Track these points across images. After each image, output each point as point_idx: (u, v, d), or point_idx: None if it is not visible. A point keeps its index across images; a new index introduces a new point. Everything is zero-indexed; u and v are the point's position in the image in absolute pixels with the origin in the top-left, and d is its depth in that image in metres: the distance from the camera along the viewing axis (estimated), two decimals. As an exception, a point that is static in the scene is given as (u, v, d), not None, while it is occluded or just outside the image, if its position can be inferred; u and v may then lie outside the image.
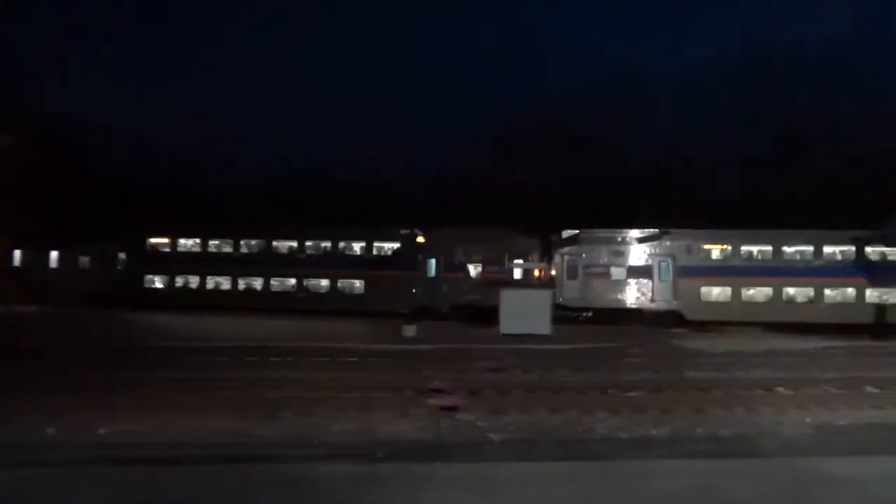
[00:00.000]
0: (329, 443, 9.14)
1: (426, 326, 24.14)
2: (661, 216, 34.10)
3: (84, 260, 33.41)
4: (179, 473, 7.36)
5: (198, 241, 33.03)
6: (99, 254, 33.10)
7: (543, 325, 23.15)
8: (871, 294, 26.20)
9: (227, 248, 32.69)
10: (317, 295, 30.85)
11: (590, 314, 27.99)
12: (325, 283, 30.94)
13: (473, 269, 29.37)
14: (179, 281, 32.43)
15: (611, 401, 11.78)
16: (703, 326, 27.19)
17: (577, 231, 28.73)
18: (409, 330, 23.03)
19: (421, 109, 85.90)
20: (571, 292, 28.02)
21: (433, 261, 29.65)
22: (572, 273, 28.08)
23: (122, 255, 33.20)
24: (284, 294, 31.27)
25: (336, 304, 29.73)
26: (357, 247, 31.24)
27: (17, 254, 34.39)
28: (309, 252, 31.60)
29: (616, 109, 49.07)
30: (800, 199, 40.22)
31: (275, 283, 31.58)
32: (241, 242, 32.48)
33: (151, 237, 33.49)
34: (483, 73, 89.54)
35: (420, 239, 27.65)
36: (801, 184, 43.03)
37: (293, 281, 31.31)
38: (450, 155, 67.43)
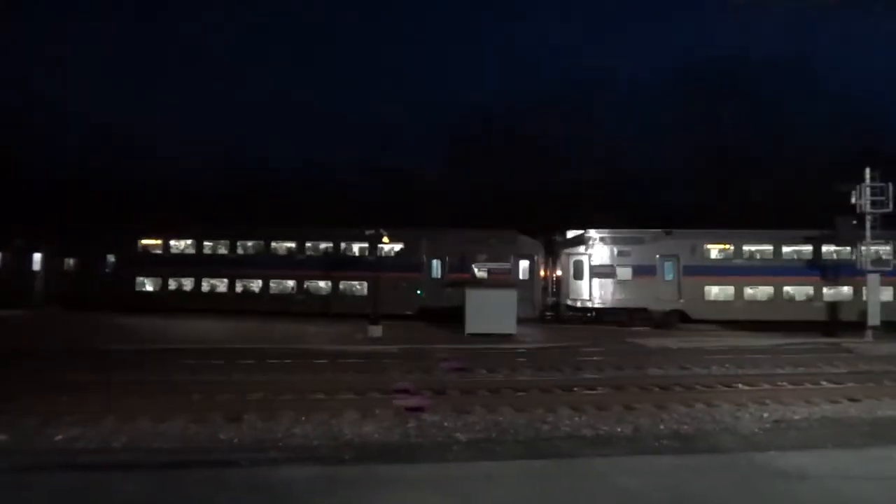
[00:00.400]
0: (293, 445, 9.03)
1: (392, 327, 24.06)
2: (615, 219, 34.78)
3: (69, 262, 31.99)
4: (137, 478, 7.18)
5: (192, 241, 31.90)
6: (85, 256, 31.76)
7: (509, 325, 23.28)
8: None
9: (223, 250, 31.65)
10: (318, 297, 30.12)
11: (593, 314, 28.12)
12: (326, 285, 30.22)
13: (478, 270, 29.13)
14: (173, 283, 31.29)
15: (575, 399, 11.88)
16: (665, 326, 27.70)
17: (582, 231, 28.77)
18: (375, 331, 22.94)
19: (378, 111, 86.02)
20: (577, 292, 28.11)
21: (437, 262, 29.40)
22: (578, 273, 28.15)
23: (110, 257, 31.86)
24: (283, 297, 30.48)
25: (338, 307, 29.03)
26: (360, 248, 30.57)
27: None
28: (309, 253, 30.87)
29: (572, 114, 49.67)
30: (754, 203, 41.37)
31: (273, 285, 30.72)
32: (238, 243, 31.50)
33: (143, 238, 32.15)
34: (441, 75, 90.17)
35: (385, 239, 27.16)
36: (755, 189, 44.30)
37: (293, 283, 30.66)
38: (406, 156, 67.82)
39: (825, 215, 26.51)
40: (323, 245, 31.04)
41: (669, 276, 27.91)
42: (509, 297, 23.88)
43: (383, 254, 29.52)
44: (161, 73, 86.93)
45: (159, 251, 31.95)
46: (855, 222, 24.72)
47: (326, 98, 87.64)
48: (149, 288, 31.41)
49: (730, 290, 28.14)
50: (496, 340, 21.69)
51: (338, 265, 29.92)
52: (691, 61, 48.53)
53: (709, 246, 28.76)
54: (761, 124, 47.00)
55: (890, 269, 25.19)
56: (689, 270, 27.86)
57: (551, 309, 29.28)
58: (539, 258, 29.49)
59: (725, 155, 47.53)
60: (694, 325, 27.86)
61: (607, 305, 27.94)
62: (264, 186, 48.76)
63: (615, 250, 27.97)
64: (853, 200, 24.37)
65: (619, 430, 10.07)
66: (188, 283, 31.17)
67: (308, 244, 31.02)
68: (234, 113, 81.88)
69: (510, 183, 48.26)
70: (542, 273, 29.65)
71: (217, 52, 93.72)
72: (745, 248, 28.73)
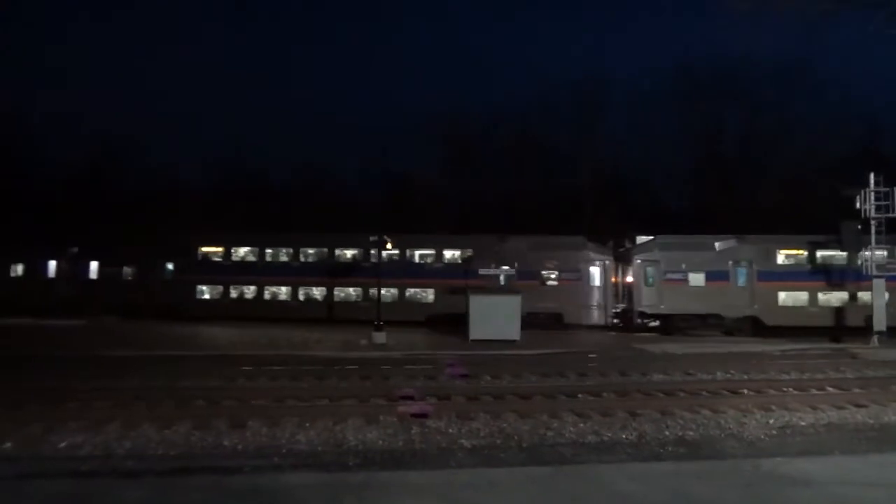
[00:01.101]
0: (297, 452, 9.02)
1: (396, 333, 24.06)
2: (614, 224, 34.82)
3: (126, 271, 31.69)
4: (141, 485, 7.18)
5: (255, 249, 31.57)
6: (143, 264, 31.42)
7: (512, 331, 23.24)
8: None
9: (286, 257, 31.31)
10: (384, 304, 29.91)
11: (657, 322, 27.89)
12: (392, 292, 29.62)
13: (547, 277, 28.99)
14: (234, 291, 30.93)
15: (579, 405, 11.83)
16: (666, 332, 27.62)
17: (652, 237, 28.59)
18: (379, 337, 22.94)
19: (378, 116, 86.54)
20: (649, 299, 27.85)
21: (504, 268, 29.04)
22: (649, 279, 27.91)
23: (169, 266, 31.51)
24: (348, 304, 30.16)
25: (403, 314, 28.60)
26: (426, 255, 30.49)
27: (53, 265, 32.58)
28: (374, 261, 30.46)
29: (573, 116, 49.67)
30: (755, 206, 41.29)
31: (338, 292, 30.50)
32: (302, 250, 31.25)
33: (203, 245, 31.90)
34: (441, 78, 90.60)
35: (389, 245, 27.08)
36: (757, 191, 44.21)
37: (358, 290, 30.23)
38: (407, 161, 68.06)
39: (826, 218, 26.48)
40: (389, 252, 30.42)
41: (742, 282, 27.54)
42: (513, 302, 23.88)
43: (449, 261, 29.57)
44: (162, 78, 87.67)
45: (220, 259, 31.70)
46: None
47: (327, 103, 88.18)
48: (209, 296, 31.03)
49: (803, 295, 27.72)
50: (500, 346, 21.63)
51: (404, 272, 29.66)
52: (692, 63, 48.30)
53: (782, 251, 28.40)
54: (763, 127, 46.91)
55: None
56: (763, 276, 27.46)
57: (620, 316, 28.83)
58: (608, 265, 29.04)
59: (727, 157, 47.46)
60: (698, 333, 27.74)
61: (679, 312, 27.50)
62: (264, 192, 48.89)
63: (687, 256, 27.63)
64: (858, 205, 24.30)
65: (623, 436, 10.03)
66: (250, 291, 30.83)
67: (374, 251, 30.67)
68: (235, 119, 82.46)
69: (510, 186, 48.28)
70: (612, 280, 29.20)
71: (217, 59, 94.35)
72: (819, 253, 28.10)
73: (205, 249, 31.79)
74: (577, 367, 16.52)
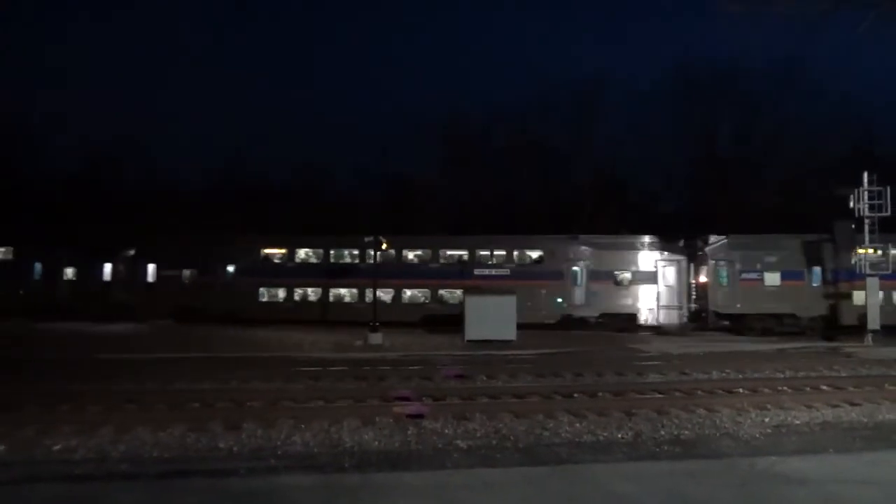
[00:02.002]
0: (293, 453, 9.01)
1: (392, 334, 24.06)
2: (613, 225, 34.89)
3: (185, 273, 31.11)
4: (137, 488, 7.17)
5: (320, 250, 31.24)
6: (203, 266, 30.82)
7: (508, 331, 23.25)
8: None
9: (350, 259, 30.87)
10: (452, 305, 29.19)
11: (726, 322, 27.67)
12: (461, 293, 29.05)
13: (620, 277, 28.75)
14: (298, 293, 30.59)
15: (574, 405, 11.84)
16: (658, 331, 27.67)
17: (725, 237, 28.35)
18: (375, 338, 22.94)
19: (377, 117, 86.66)
20: (724, 299, 27.64)
21: (578, 269, 28.85)
22: (724, 280, 27.70)
23: (230, 268, 30.97)
24: (416, 306, 29.86)
25: None
26: (496, 256, 30.15)
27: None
28: (443, 262, 30.27)
29: (570, 117, 49.72)
30: (749, 209, 41.40)
31: (407, 294, 30.14)
32: (368, 253, 30.56)
33: (266, 247, 31.44)
34: (439, 80, 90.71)
35: (384, 245, 26.93)
36: (751, 193, 44.32)
37: (427, 292, 29.85)
38: (406, 162, 68.10)
39: (821, 218, 26.54)
40: (457, 253, 30.43)
41: (817, 283, 27.38)
42: (508, 303, 23.86)
43: (520, 261, 29.41)
44: (162, 81, 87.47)
45: (283, 261, 31.21)
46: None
47: (326, 103, 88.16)
48: (272, 298, 30.61)
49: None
50: (496, 347, 21.65)
51: (474, 274, 29.40)
52: (690, 64, 48.44)
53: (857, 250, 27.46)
54: (759, 127, 47.07)
55: None
56: (839, 276, 27.01)
57: (694, 316, 28.58)
58: (684, 264, 28.70)
59: (723, 158, 47.57)
60: (696, 332, 27.83)
61: (754, 311, 27.26)
62: (264, 192, 48.83)
63: (762, 256, 27.37)
64: (851, 205, 24.40)
65: (619, 436, 10.04)
66: (314, 293, 30.45)
67: (441, 252, 30.46)
68: (234, 119, 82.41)
69: (509, 186, 48.31)
70: (687, 280, 28.89)
71: (217, 61, 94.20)
72: (894, 252, 27.37)
73: (267, 251, 31.35)
74: (573, 367, 16.53)
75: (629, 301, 28.45)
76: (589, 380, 15.30)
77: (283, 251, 31.38)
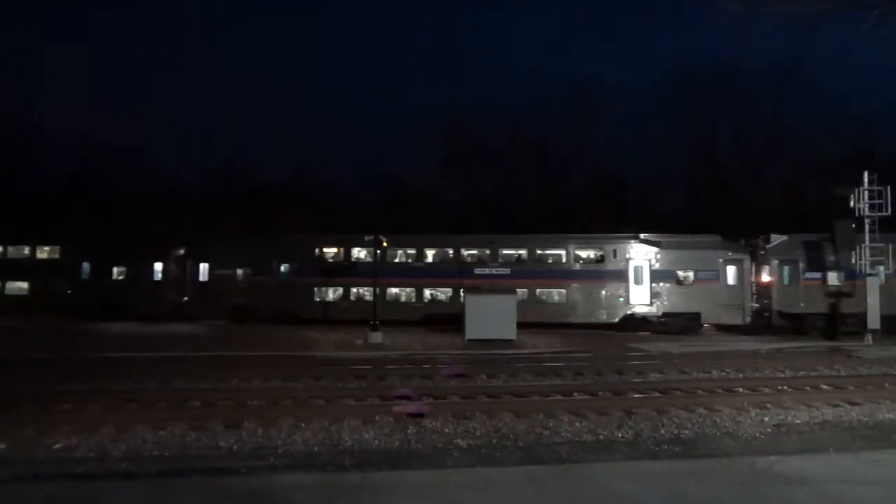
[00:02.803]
0: (293, 452, 9.01)
1: (391, 333, 24.06)
2: (613, 225, 34.89)
3: (239, 273, 30.65)
4: (137, 487, 7.17)
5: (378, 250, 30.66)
6: (258, 265, 30.31)
7: (509, 330, 23.26)
8: None
9: (407, 258, 30.55)
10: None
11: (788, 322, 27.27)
12: (524, 293, 28.81)
13: (683, 277, 28.51)
14: (354, 293, 30.31)
15: (575, 404, 11.84)
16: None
17: (787, 236, 28.07)
18: (375, 337, 22.95)
19: (376, 118, 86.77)
20: (788, 298, 27.34)
21: (640, 268, 28.59)
22: (788, 279, 27.37)
23: (285, 267, 30.58)
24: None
25: (534, 315, 27.98)
26: (554, 255, 29.90)
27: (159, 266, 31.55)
28: (501, 260, 30.03)
29: (569, 118, 49.79)
30: (747, 209, 41.43)
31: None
32: (427, 251, 30.54)
33: (323, 246, 31.14)
34: (438, 81, 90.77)
35: (383, 244, 26.75)
36: (749, 194, 44.37)
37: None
38: (405, 163, 68.18)
39: (820, 218, 26.50)
40: (515, 252, 30.25)
41: (883, 282, 26.26)
42: (508, 302, 23.88)
43: (580, 261, 29.25)
44: (162, 81, 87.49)
45: (339, 260, 30.90)
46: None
47: (325, 104, 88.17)
48: (329, 297, 30.35)
49: None
50: (497, 346, 21.66)
51: (533, 273, 29.33)
52: (688, 65, 48.50)
53: None
54: (757, 128, 47.11)
55: None
56: None
57: (757, 315, 28.18)
58: (747, 264, 28.30)
59: (722, 158, 47.64)
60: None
61: (817, 311, 26.89)
62: (263, 193, 48.88)
63: (825, 255, 26.84)
64: (851, 204, 24.39)
65: (619, 435, 10.04)
66: (370, 293, 29.59)
67: (501, 252, 30.26)
68: (234, 119, 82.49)
69: (509, 187, 48.37)
70: (751, 279, 28.44)
71: (217, 61, 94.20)
72: None
73: (324, 250, 31.12)
74: (573, 367, 16.53)
75: (691, 300, 28.12)
76: (589, 379, 15.31)
77: (339, 250, 31.14)
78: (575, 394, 12.80)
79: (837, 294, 26.56)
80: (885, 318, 24.25)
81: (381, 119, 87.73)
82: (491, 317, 23.34)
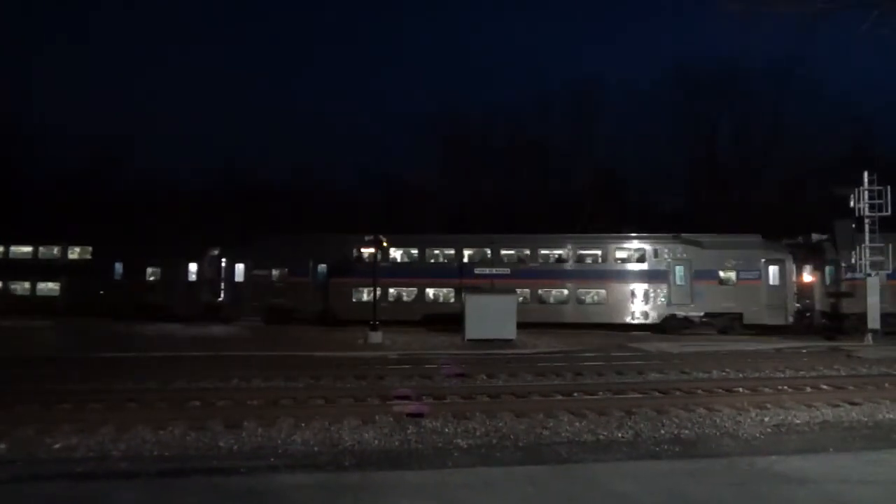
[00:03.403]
0: (293, 452, 9.00)
1: (391, 333, 24.07)
2: (610, 225, 34.90)
3: (274, 273, 30.31)
4: (136, 487, 7.17)
5: (416, 250, 30.62)
6: (293, 266, 29.90)
7: (508, 330, 23.26)
8: None
9: (444, 259, 30.32)
10: (555, 304, 29.11)
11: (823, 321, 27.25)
12: (563, 293, 29.06)
13: (725, 277, 28.31)
14: (392, 293, 30.00)
15: (575, 404, 11.84)
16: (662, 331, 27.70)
17: (827, 236, 27.77)
18: (375, 337, 22.95)
19: (377, 118, 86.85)
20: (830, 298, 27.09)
21: (682, 268, 28.54)
22: (829, 279, 27.32)
23: (321, 267, 30.17)
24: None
25: (576, 316, 28.26)
26: (593, 255, 29.80)
27: (193, 267, 31.26)
28: (540, 261, 29.88)
29: (569, 118, 49.81)
30: (747, 208, 41.43)
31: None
32: (465, 251, 30.27)
33: (361, 246, 30.32)
34: (438, 81, 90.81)
35: (384, 244, 26.73)
36: (749, 193, 44.40)
37: (527, 291, 29.06)
38: (405, 163, 68.21)
39: (820, 217, 26.49)
40: (554, 253, 30.05)
41: None
42: (508, 302, 23.88)
43: (620, 261, 29.15)
44: (162, 81, 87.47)
45: (378, 260, 30.23)
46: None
47: (325, 104, 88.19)
48: (366, 298, 29.82)
49: None
50: (497, 346, 21.66)
51: (574, 273, 29.24)
52: (688, 65, 48.47)
53: None
54: (757, 128, 47.12)
55: None
56: None
57: (799, 316, 28.02)
58: (789, 264, 28.15)
59: (721, 158, 47.65)
60: (695, 331, 27.82)
61: (860, 311, 26.12)
62: (263, 193, 48.93)
63: (869, 255, 26.33)
64: (851, 204, 24.39)
65: (619, 435, 10.04)
66: (408, 294, 29.90)
67: (541, 252, 30.10)
68: (233, 119, 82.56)
69: (508, 187, 48.39)
70: (793, 279, 28.28)
71: (217, 59, 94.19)
72: None
73: (361, 250, 30.62)
74: (573, 367, 16.53)
75: (733, 301, 27.99)
76: (589, 379, 15.30)
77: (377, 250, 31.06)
78: (575, 394, 12.80)
79: (885, 294, 25.79)
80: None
81: (381, 119, 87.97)
82: (491, 317, 23.35)
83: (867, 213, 24.21)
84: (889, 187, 24.10)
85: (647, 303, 28.51)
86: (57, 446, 9.01)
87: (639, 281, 28.67)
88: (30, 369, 15.40)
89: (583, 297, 29.12)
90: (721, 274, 28.35)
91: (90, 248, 32.76)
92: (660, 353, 20.00)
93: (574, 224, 40.02)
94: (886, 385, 13.91)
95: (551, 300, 29.29)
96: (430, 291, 29.96)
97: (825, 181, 30.71)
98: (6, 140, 47.60)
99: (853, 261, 25.62)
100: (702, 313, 28.07)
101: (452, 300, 29.21)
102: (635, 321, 28.19)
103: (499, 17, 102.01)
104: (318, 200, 48.51)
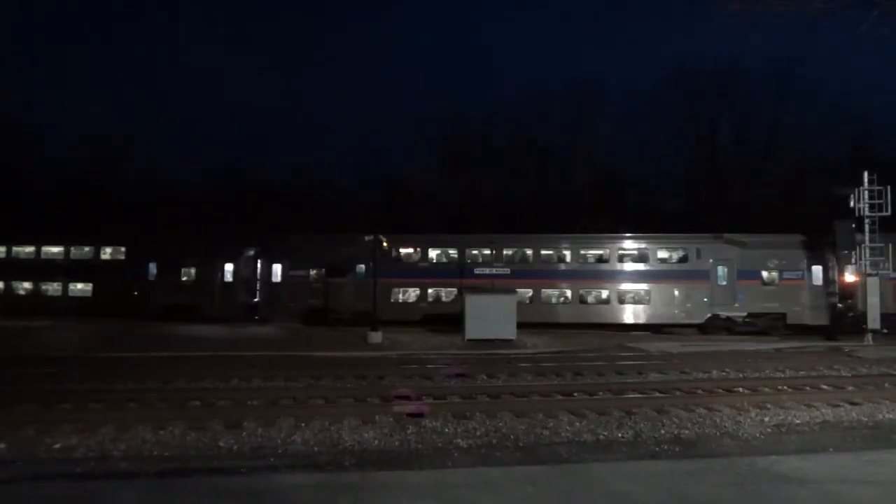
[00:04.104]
0: (293, 452, 9.00)
1: (391, 333, 24.06)
2: (610, 225, 34.86)
3: (312, 273, 29.84)
4: (137, 487, 7.17)
5: (454, 250, 30.24)
6: (330, 266, 29.39)
7: (508, 330, 23.25)
8: None
9: (483, 259, 29.96)
10: (597, 303, 28.88)
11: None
12: (603, 294, 28.86)
13: (767, 276, 28.07)
14: (431, 294, 29.81)
15: (574, 404, 11.84)
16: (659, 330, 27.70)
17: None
18: (375, 337, 22.94)
19: (377, 118, 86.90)
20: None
21: (724, 268, 28.28)
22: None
23: (359, 267, 29.61)
24: (550, 306, 29.16)
25: (611, 315, 28.17)
26: (634, 255, 29.47)
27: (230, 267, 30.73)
28: (581, 260, 29.61)
29: (569, 118, 49.72)
30: (746, 209, 41.39)
31: (547, 293, 29.24)
32: (504, 251, 30.02)
33: (401, 246, 30.51)
34: (438, 81, 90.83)
35: (384, 244, 26.64)
36: (749, 193, 44.33)
37: (565, 292, 29.06)
38: (405, 163, 68.18)
39: (819, 218, 26.43)
40: (596, 253, 29.80)
41: None
42: (508, 302, 23.86)
43: (663, 261, 29.04)
44: (162, 81, 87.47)
45: (416, 260, 30.40)
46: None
47: (326, 104, 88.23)
48: (405, 299, 29.69)
49: None
50: (497, 346, 21.66)
51: (615, 273, 29.03)
52: (687, 65, 48.33)
53: None
54: (756, 128, 47.06)
55: None
56: None
57: (841, 316, 27.45)
58: (832, 263, 27.63)
59: (721, 158, 47.58)
60: (695, 331, 27.82)
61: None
62: (264, 193, 48.90)
63: (869, 255, 25.94)
64: (851, 204, 24.38)
65: (619, 435, 10.04)
66: (447, 294, 29.61)
67: (581, 252, 29.88)
68: (234, 119, 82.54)
69: (508, 187, 48.35)
70: (837, 279, 27.67)
71: (217, 61, 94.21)
72: None
73: (400, 251, 30.58)
74: (573, 367, 16.53)
75: (777, 301, 27.77)
76: (589, 379, 15.30)
77: (416, 250, 30.70)
78: (575, 394, 12.80)
79: None
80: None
81: (381, 119, 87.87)
82: (491, 317, 23.33)
83: (867, 213, 24.21)
84: (889, 187, 24.10)
85: (689, 303, 28.26)
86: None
87: (681, 281, 28.42)
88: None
89: (624, 297, 28.90)
90: (764, 274, 28.14)
91: (123, 249, 32.43)
92: (660, 353, 19.99)
93: (574, 224, 39.99)
94: (886, 385, 13.91)
95: (590, 300, 29.01)
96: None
97: (825, 181, 30.62)
98: (6, 140, 47.57)
99: (853, 261, 25.64)
100: (745, 313, 27.83)
101: None
102: (677, 322, 27.92)
103: (499, 17, 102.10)
104: (317, 200, 48.45)
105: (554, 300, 29.30)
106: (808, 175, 41.27)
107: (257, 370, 15.37)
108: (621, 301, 28.83)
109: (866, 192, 24.23)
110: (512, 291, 25.26)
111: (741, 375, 15.82)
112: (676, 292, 28.33)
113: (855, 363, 17.98)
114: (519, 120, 50.43)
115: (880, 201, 24.11)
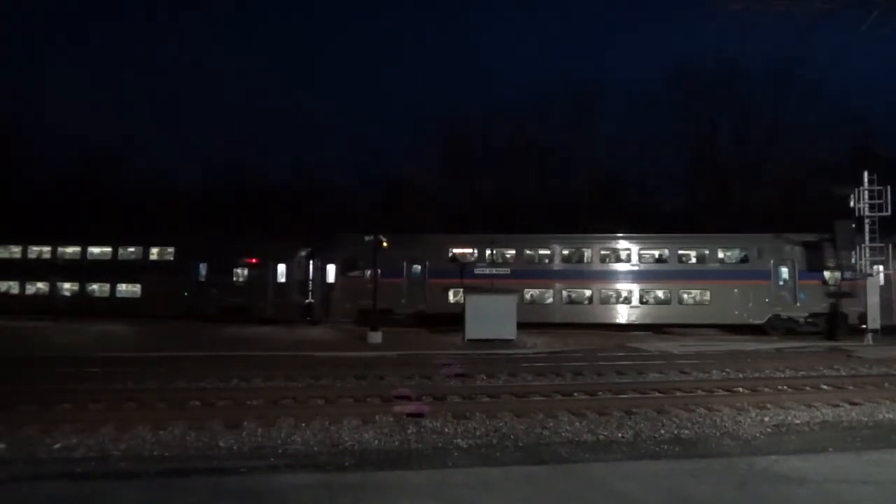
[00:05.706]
0: (293, 452, 9.00)
1: (391, 333, 24.04)
2: (610, 225, 34.81)
3: (365, 274, 28.45)
4: (137, 487, 7.17)
5: (510, 250, 29.78)
6: (386, 266, 27.98)
7: (509, 330, 23.25)
8: None
9: (538, 259, 29.63)
10: (659, 303, 28.56)
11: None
12: (661, 294, 28.47)
13: (829, 275, 27.58)
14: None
15: (574, 404, 11.84)
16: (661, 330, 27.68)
17: None
18: (375, 337, 22.94)
19: (377, 118, 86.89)
20: None
21: (785, 268, 27.95)
22: None
23: (415, 268, 29.16)
24: (609, 308, 28.65)
25: (672, 316, 27.97)
26: (698, 255, 29.11)
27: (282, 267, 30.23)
28: (636, 259, 29.03)
29: (569, 118, 49.70)
30: (746, 208, 41.38)
31: (602, 293, 28.74)
32: (565, 251, 29.51)
33: (455, 246, 30.07)
34: (438, 81, 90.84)
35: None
36: (749, 193, 44.32)
37: (623, 291, 28.64)
38: (405, 162, 68.12)
39: (820, 218, 26.41)
40: (656, 252, 29.35)
41: None
42: (508, 302, 23.86)
43: (723, 261, 28.68)
44: (162, 80, 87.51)
45: (473, 260, 29.80)
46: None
47: (326, 104, 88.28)
48: (460, 299, 28.55)
49: None
50: (497, 346, 21.66)
51: (676, 273, 28.64)
52: (689, 65, 48.26)
53: None
54: (756, 127, 47.05)
55: None
56: None
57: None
58: (892, 263, 26.64)
59: (721, 158, 47.57)
60: (695, 331, 27.79)
61: None
62: (264, 193, 48.92)
63: (869, 255, 25.74)
64: (851, 204, 24.38)
65: (619, 435, 10.04)
66: (540, 295, 29.02)
67: (636, 251, 29.36)
68: (234, 119, 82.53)
69: (508, 187, 48.35)
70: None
71: (217, 61, 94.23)
72: None
73: (456, 251, 30.08)
74: (573, 367, 16.52)
75: (839, 300, 27.29)
76: (589, 379, 15.30)
77: (473, 250, 30.09)
78: (575, 394, 12.80)
79: None
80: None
81: (381, 119, 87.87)
82: (491, 316, 23.33)
83: (867, 213, 24.20)
84: (889, 187, 24.08)
85: (749, 303, 27.91)
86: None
87: (742, 281, 28.04)
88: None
89: (684, 298, 28.56)
90: (825, 274, 27.75)
91: (172, 249, 31.97)
92: (661, 353, 19.98)
93: (574, 224, 39.98)
94: (886, 385, 13.91)
95: (651, 301, 28.68)
96: (530, 292, 29.07)
97: (825, 181, 30.58)
98: (6, 140, 47.57)
99: (853, 261, 25.64)
100: (806, 314, 27.58)
101: (552, 301, 28.86)
102: (737, 322, 27.65)
103: (499, 17, 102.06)
104: (317, 200, 48.46)
105: (612, 300, 28.80)
106: (808, 175, 41.25)
107: (257, 370, 15.39)
108: (681, 301, 28.47)
109: (866, 192, 24.22)
110: (511, 291, 25.17)
111: (741, 375, 15.81)
112: (737, 292, 27.89)
113: (855, 363, 17.97)
114: (519, 120, 50.42)
115: (880, 201, 24.10)
